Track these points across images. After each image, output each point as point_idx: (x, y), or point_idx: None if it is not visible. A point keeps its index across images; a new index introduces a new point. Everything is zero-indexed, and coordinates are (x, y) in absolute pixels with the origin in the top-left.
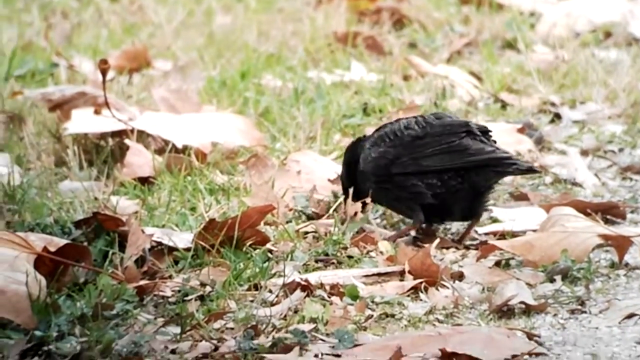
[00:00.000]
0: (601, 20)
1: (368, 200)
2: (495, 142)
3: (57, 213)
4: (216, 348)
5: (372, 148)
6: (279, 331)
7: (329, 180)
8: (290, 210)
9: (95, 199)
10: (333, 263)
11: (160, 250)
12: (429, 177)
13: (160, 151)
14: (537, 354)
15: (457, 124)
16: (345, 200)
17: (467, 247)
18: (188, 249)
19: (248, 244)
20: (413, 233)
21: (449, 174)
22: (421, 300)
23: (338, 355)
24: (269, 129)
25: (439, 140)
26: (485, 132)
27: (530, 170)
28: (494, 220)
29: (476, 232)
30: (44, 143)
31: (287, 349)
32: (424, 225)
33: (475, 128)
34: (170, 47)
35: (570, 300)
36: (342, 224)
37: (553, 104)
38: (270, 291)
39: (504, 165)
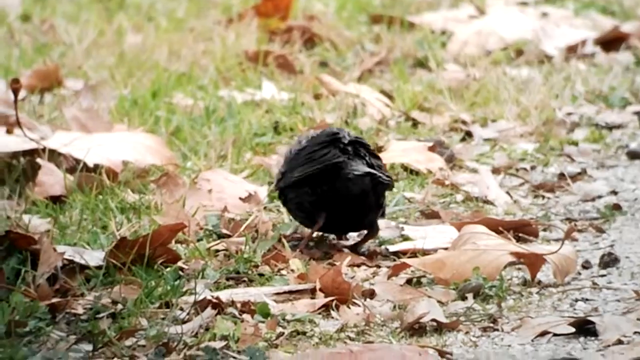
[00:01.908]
0: (513, 38)
1: None
2: (368, 153)
3: None
4: None
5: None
6: (191, 349)
7: (240, 198)
8: (201, 228)
9: (8, 217)
10: (244, 281)
11: (72, 268)
12: (302, 187)
13: (71, 170)
14: None
15: (324, 134)
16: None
17: (379, 265)
18: (100, 267)
19: (159, 262)
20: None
21: (317, 183)
22: (332, 317)
23: None
24: (180, 147)
25: (307, 151)
26: (359, 142)
27: (368, 175)
28: (405, 238)
29: (387, 249)
30: None
31: None
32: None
33: (346, 138)
34: (81, 66)
35: (482, 318)
36: (254, 242)
37: (464, 122)
38: (182, 309)
39: (344, 170)
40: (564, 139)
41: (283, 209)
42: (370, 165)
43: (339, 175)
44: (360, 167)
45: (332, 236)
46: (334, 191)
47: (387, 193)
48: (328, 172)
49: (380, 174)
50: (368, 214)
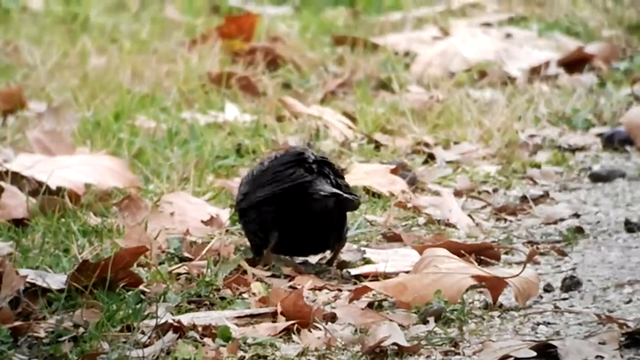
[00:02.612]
0: (476, 60)
1: None
2: (333, 172)
3: None
4: None
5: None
6: None
7: (202, 221)
8: (163, 251)
9: None
10: (206, 304)
11: (34, 291)
12: (265, 207)
13: (34, 193)
14: None
15: (289, 154)
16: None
17: (340, 289)
18: (62, 290)
19: (121, 285)
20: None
21: (281, 203)
22: (294, 341)
23: None
24: (142, 170)
25: (271, 171)
26: (325, 162)
27: (334, 195)
28: (367, 262)
29: (349, 273)
30: None
31: None
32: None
33: (312, 157)
34: (44, 88)
35: (443, 341)
36: (215, 265)
37: (427, 145)
38: (143, 332)
39: (309, 190)
40: (527, 161)
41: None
42: (336, 185)
43: (304, 195)
44: (325, 187)
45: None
46: (298, 211)
47: (349, 216)
48: (293, 192)
49: (347, 194)
50: (330, 235)
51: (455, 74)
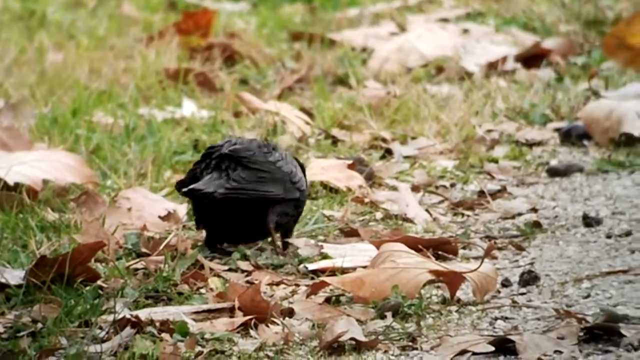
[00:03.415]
0: (433, 55)
1: None
2: (241, 166)
3: None
4: None
5: None
6: None
7: (160, 217)
8: (121, 247)
9: None
10: (163, 300)
11: None
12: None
13: None
14: None
15: (210, 147)
16: None
17: (298, 284)
18: (20, 286)
19: (79, 280)
20: None
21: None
22: (251, 336)
23: None
24: (99, 166)
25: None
26: (231, 156)
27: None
28: (324, 257)
29: (306, 268)
30: None
31: None
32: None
33: (224, 151)
34: (2, 84)
35: (401, 336)
36: (173, 260)
37: (384, 140)
38: (101, 328)
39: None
40: (484, 156)
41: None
42: (234, 179)
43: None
44: (196, 184)
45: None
46: (198, 206)
47: (306, 210)
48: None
49: (199, 190)
50: (252, 224)
51: (412, 69)
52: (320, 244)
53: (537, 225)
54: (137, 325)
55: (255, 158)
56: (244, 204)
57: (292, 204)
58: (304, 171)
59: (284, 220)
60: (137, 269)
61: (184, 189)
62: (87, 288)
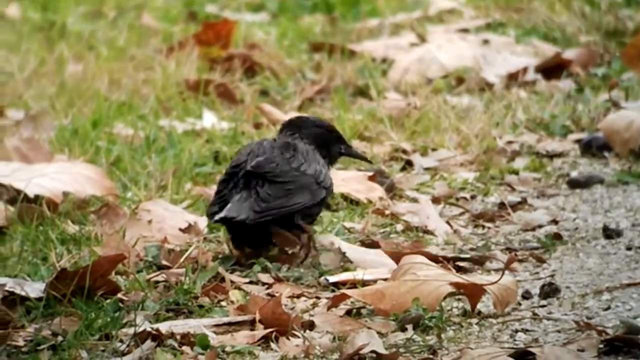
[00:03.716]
0: (453, 66)
1: None
2: (267, 182)
3: None
4: None
5: None
6: None
7: (180, 229)
8: (141, 259)
9: None
10: (184, 312)
11: (12, 300)
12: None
13: (12, 201)
14: None
15: (231, 164)
16: None
17: (318, 297)
18: (40, 299)
19: (99, 293)
20: None
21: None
22: (272, 349)
23: None
24: (120, 178)
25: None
26: (256, 173)
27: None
28: (345, 269)
29: (327, 280)
30: None
31: None
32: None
33: (248, 168)
34: (22, 96)
35: (422, 349)
36: (193, 273)
37: (405, 151)
38: (122, 341)
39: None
40: (505, 167)
41: (223, 240)
42: (263, 199)
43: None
44: (224, 211)
45: None
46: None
47: (327, 222)
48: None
49: (231, 217)
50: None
51: (432, 80)
52: (343, 250)
53: (557, 237)
54: (158, 338)
55: (279, 169)
56: (274, 222)
57: (318, 204)
58: (330, 157)
59: (309, 221)
60: (157, 282)
61: (216, 217)
62: (108, 301)
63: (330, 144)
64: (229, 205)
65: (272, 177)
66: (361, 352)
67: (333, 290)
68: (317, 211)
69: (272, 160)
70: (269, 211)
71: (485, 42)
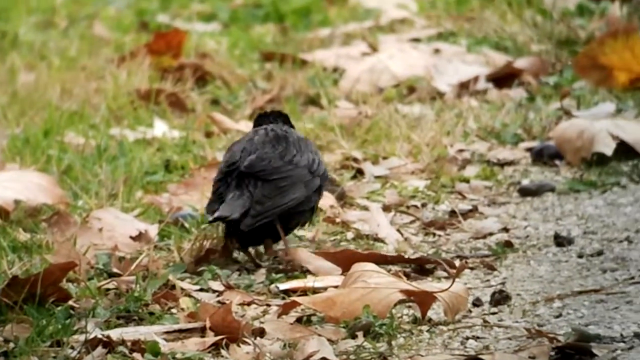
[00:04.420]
0: (405, 75)
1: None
2: (262, 181)
3: None
4: None
5: None
6: None
7: (131, 237)
8: (92, 267)
9: None
10: (135, 320)
11: None
12: None
13: None
14: None
15: (225, 162)
16: None
17: (269, 304)
18: None
19: (50, 300)
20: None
21: None
22: (222, 356)
23: None
24: (71, 186)
25: (216, 177)
26: (248, 173)
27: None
28: (296, 276)
29: (277, 287)
30: None
31: None
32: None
33: (241, 168)
34: None
35: (372, 356)
36: (144, 280)
37: (355, 160)
38: (73, 347)
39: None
40: (456, 175)
41: (173, 248)
42: (257, 201)
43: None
44: (217, 211)
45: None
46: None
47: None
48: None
49: (226, 215)
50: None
51: (384, 89)
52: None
53: (508, 244)
54: (109, 345)
55: (272, 167)
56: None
57: (313, 196)
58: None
59: (304, 219)
60: (108, 289)
61: (210, 218)
62: (59, 308)
63: None
64: (222, 205)
65: (265, 176)
66: (311, 359)
67: (283, 298)
68: (315, 201)
69: (264, 158)
70: (265, 213)
71: (437, 51)
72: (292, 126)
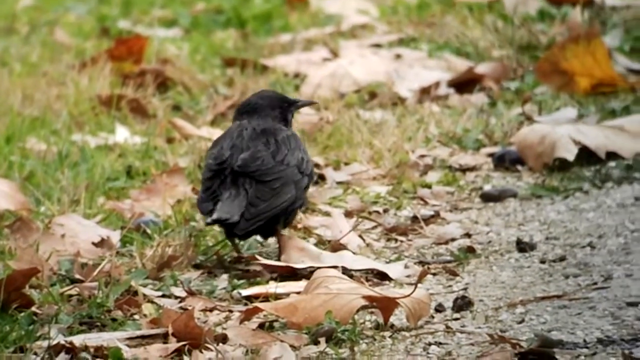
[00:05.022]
0: (366, 81)
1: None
2: (255, 180)
3: None
4: None
5: None
6: None
7: (93, 243)
8: (55, 273)
9: None
10: (97, 325)
11: None
12: None
13: None
14: None
15: (213, 161)
16: None
17: (231, 310)
18: None
19: (13, 306)
20: None
21: None
22: None
23: None
24: (33, 192)
25: (205, 175)
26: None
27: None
28: (258, 282)
29: (239, 294)
30: None
31: None
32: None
33: (229, 168)
34: None
35: None
36: (106, 286)
37: (317, 165)
38: (36, 353)
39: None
40: (417, 181)
41: (136, 254)
42: (251, 203)
43: None
44: (216, 212)
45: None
46: None
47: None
48: None
49: (226, 217)
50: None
51: (345, 95)
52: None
53: (470, 250)
54: (72, 351)
55: (265, 166)
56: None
57: (301, 194)
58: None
59: (292, 217)
60: (71, 295)
61: (208, 220)
62: (22, 314)
63: (286, 111)
64: (219, 205)
65: (259, 176)
66: None
67: (246, 304)
68: (302, 199)
69: (256, 157)
70: (259, 216)
71: (398, 56)
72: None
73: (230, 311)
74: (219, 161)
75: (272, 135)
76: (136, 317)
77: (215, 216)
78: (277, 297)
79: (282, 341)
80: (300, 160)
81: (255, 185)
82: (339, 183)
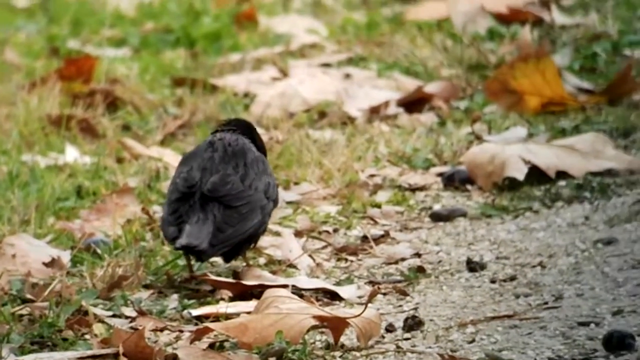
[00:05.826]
0: (316, 100)
1: None
2: (224, 205)
3: None
4: None
5: None
6: None
7: (44, 263)
8: (6, 293)
9: None
10: (48, 345)
11: None
12: None
13: None
14: None
15: (184, 184)
16: None
17: (182, 330)
18: None
19: None
20: None
21: None
22: None
23: None
24: None
25: (172, 197)
26: (211, 198)
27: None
28: (208, 302)
29: (190, 313)
30: None
31: None
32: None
33: (199, 192)
34: None
35: None
36: (57, 306)
37: None
38: None
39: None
40: (367, 201)
41: (86, 274)
42: (216, 220)
43: None
44: (184, 237)
45: None
46: None
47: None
48: None
49: (195, 244)
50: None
51: (294, 114)
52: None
53: (420, 270)
54: None
55: (234, 191)
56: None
57: (266, 219)
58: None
59: (255, 241)
60: (22, 315)
61: (177, 245)
62: None
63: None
64: (187, 229)
65: (227, 201)
66: None
67: (196, 324)
68: (266, 224)
69: (226, 181)
70: (225, 242)
71: (347, 76)
72: (253, 138)
73: (181, 331)
74: (189, 184)
75: (241, 157)
76: (87, 337)
77: (184, 242)
78: (228, 317)
79: None
80: (267, 185)
81: (224, 210)
82: (288, 203)
